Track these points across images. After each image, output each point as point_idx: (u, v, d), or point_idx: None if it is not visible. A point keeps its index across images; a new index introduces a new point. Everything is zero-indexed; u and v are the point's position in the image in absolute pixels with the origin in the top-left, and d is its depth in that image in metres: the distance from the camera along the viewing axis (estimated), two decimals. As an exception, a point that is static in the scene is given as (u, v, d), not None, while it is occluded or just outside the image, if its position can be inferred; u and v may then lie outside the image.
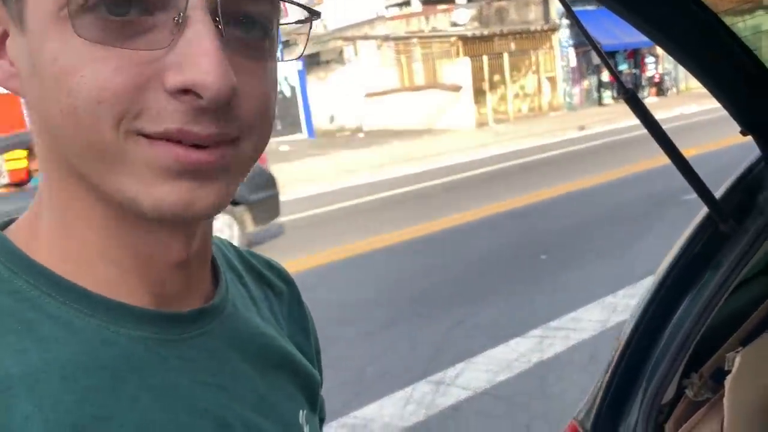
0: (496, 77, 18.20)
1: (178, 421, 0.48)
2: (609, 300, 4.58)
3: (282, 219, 8.90)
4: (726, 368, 1.32)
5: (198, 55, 0.40)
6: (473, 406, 3.48)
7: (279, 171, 13.06)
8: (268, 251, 7.59)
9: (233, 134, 0.44)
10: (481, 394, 3.59)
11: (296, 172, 12.66)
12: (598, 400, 1.34)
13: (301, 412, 0.60)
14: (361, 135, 18.33)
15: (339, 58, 20.34)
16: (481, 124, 17.18)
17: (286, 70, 18.17)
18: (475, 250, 6.37)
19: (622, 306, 4.43)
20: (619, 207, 7.08)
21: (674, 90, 20.81)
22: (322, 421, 0.76)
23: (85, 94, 0.40)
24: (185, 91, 0.41)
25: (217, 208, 0.45)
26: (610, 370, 1.34)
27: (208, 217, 0.46)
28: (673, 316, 1.33)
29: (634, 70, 19.75)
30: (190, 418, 0.49)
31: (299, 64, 18.35)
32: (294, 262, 6.66)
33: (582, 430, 1.35)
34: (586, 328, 4.24)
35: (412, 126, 17.59)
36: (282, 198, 10.21)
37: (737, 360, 1.29)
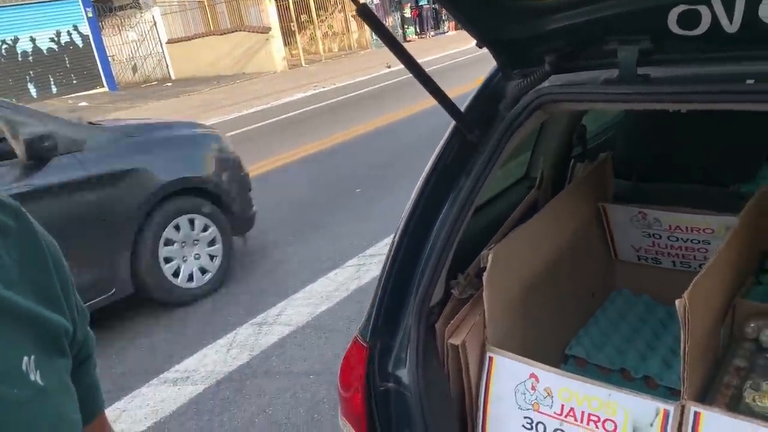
0: (304, 17, 17.92)
1: None
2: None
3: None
4: (482, 265, 1.45)
5: None
6: (296, 340, 3.55)
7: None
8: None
9: None
10: (303, 328, 3.67)
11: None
12: (373, 312, 1.41)
13: (26, 358, 0.57)
14: (168, 84, 17.27)
15: (134, 3, 18.78)
16: (293, 65, 16.93)
17: (75, 19, 16.46)
18: (293, 191, 6.38)
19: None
20: (423, 137, 7.40)
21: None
22: (89, 357, 0.72)
23: None
24: None
25: None
26: (382, 281, 1.42)
27: None
28: (434, 223, 1.43)
29: (434, 6, 20.43)
30: None
31: (89, 11, 16.69)
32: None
33: (363, 341, 1.42)
34: (398, 252, 4.45)
35: (222, 72, 16.89)
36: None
37: (489, 257, 1.43)
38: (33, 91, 15.95)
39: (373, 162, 6.92)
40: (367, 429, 1.42)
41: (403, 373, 1.39)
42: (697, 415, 1.19)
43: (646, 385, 1.73)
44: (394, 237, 1.45)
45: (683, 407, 1.21)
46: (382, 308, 1.41)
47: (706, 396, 1.37)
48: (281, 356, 3.42)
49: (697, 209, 1.78)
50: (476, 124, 1.42)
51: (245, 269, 4.63)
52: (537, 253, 1.68)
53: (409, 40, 19.29)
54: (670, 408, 1.23)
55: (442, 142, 1.46)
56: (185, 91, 15.07)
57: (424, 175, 1.45)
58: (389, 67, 13.53)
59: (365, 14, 1.15)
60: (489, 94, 1.46)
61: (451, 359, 1.46)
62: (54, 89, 16.29)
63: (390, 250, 1.44)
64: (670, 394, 1.67)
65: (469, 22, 1.34)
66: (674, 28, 1.16)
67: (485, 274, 1.43)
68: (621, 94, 1.27)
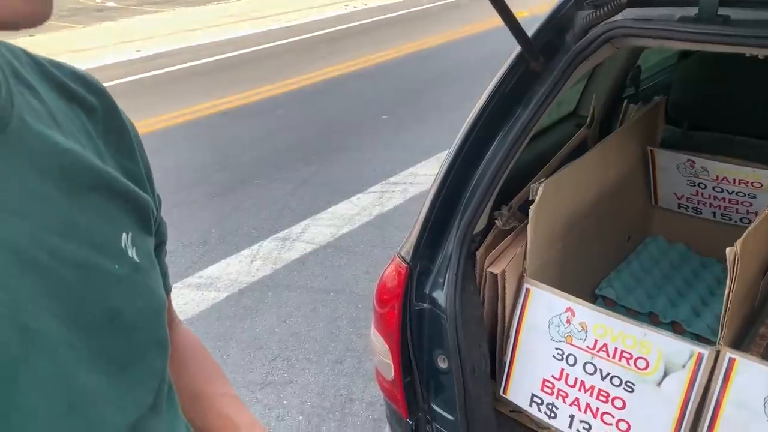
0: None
1: None
2: (444, 155, 4.80)
3: (117, 81, 8.20)
4: (530, 198, 1.45)
5: None
6: (317, 258, 3.61)
7: (105, 29, 11.91)
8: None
9: None
10: (324, 247, 3.72)
11: (127, 31, 11.56)
12: (416, 233, 1.42)
13: (124, 234, 0.56)
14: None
15: None
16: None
17: None
18: (320, 111, 6.32)
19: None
20: (456, 66, 7.26)
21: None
22: (163, 243, 0.73)
23: None
24: None
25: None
26: (428, 205, 1.42)
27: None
28: (486, 151, 1.42)
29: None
30: None
31: None
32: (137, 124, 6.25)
33: (403, 261, 1.44)
34: (422, 182, 4.46)
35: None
36: (112, 59, 9.39)
37: (540, 190, 1.42)
38: (61, -14, 15.67)
39: (403, 88, 6.81)
40: (400, 345, 1.46)
41: (440, 295, 1.41)
42: (731, 361, 1.21)
43: (674, 331, 1.75)
44: (445, 161, 1.44)
45: (718, 352, 1.23)
46: (426, 231, 1.42)
47: (740, 345, 1.39)
48: (302, 272, 3.49)
49: (748, 161, 1.75)
50: (541, 52, 1.39)
51: (270, 185, 4.66)
52: (582, 191, 1.67)
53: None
54: (705, 352, 1.25)
55: (503, 69, 1.42)
56: (191, 2, 14.73)
57: (482, 100, 1.43)
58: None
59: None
60: (558, 22, 1.41)
61: (488, 287, 1.48)
62: (82, -14, 15.99)
63: (439, 175, 1.44)
64: (697, 341, 1.69)
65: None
66: (767, -33, 1.11)
67: (533, 206, 1.43)
68: (698, 34, 1.23)
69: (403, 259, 1.45)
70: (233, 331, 3.02)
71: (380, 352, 1.53)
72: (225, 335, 2.99)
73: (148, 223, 0.63)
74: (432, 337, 1.45)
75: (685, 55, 2.61)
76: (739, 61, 1.88)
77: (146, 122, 6.30)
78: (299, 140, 5.54)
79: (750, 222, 1.87)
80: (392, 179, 4.60)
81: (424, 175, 4.54)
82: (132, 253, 0.57)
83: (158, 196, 0.70)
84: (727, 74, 1.89)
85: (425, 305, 1.44)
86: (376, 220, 4.03)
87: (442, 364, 1.44)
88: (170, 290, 0.78)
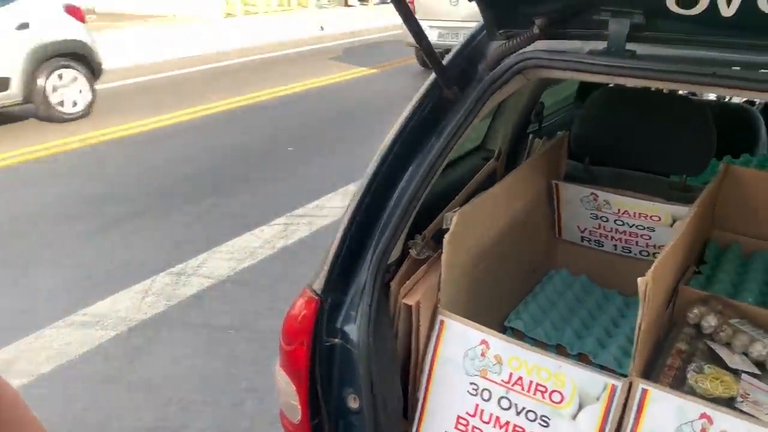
0: (245, -35, 17.21)
1: None
2: (350, 188, 4.77)
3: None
4: (444, 226, 1.42)
5: None
6: (215, 294, 3.44)
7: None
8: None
9: None
10: (223, 282, 3.55)
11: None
12: (328, 265, 1.35)
13: None
14: (92, 17, 16.18)
15: None
16: (229, 14, 16.28)
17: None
18: (221, 142, 6.14)
19: (361, 194, 4.68)
20: (359, 103, 7.32)
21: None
22: None
23: None
24: None
25: None
26: (340, 234, 1.36)
27: None
28: (400, 179, 1.37)
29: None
30: None
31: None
32: (17, 152, 5.80)
33: (314, 294, 1.36)
34: (328, 215, 4.39)
35: (152, 11, 16.01)
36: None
37: (454, 219, 1.39)
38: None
39: (308, 122, 6.75)
40: (308, 385, 1.37)
41: (352, 329, 1.34)
42: (644, 392, 1.21)
43: (580, 362, 1.76)
44: (357, 190, 1.39)
45: (631, 384, 1.23)
46: (338, 261, 1.35)
47: (649, 375, 1.40)
48: (199, 308, 3.31)
49: (648, 195, 1.81)
50: (455, 81, 1.37)
51: (166, 217, 4.43)
52: (492, 222, 1.66)
53: (350, 6, 18.93)
54: (618, 384, 1.24)
55: (417, 97, 1.40)
56: (110, 26, 14.18)
57: (395, 128, 1.39)
58: (322, 29, 13.17)
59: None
60: (470, 52, 1.41)
61: (402, 319, 1.42)
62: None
63: (351, 204, 1.38)
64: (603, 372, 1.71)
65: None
66: (671, 5, 1.15)
67: (447, 235, 1.39)
68: (607, 66, 1.25)
69: (314, 291, 1.37)
70: (122, 373, 2.78)
71: (286, 393, 1.43)
72: (113, 378, 2.75)
73: None
74: (343, 374, 1.37)
75: (582, 94, 2.72)
76: (634, 99, 1.97)
77: (31, 149, 5.89)
78: (199, 171, 5.34)
79: (649, 255, 1.93)
80: (297, 211, 4.51)
81: (331, 208, 4.48)
82: None
83: None
84: (624, 112, 1.97)
85: (336, 340, 1.36)
86: (280, 254, 3.91)
87: (353, 404, 1.36)
88: None
